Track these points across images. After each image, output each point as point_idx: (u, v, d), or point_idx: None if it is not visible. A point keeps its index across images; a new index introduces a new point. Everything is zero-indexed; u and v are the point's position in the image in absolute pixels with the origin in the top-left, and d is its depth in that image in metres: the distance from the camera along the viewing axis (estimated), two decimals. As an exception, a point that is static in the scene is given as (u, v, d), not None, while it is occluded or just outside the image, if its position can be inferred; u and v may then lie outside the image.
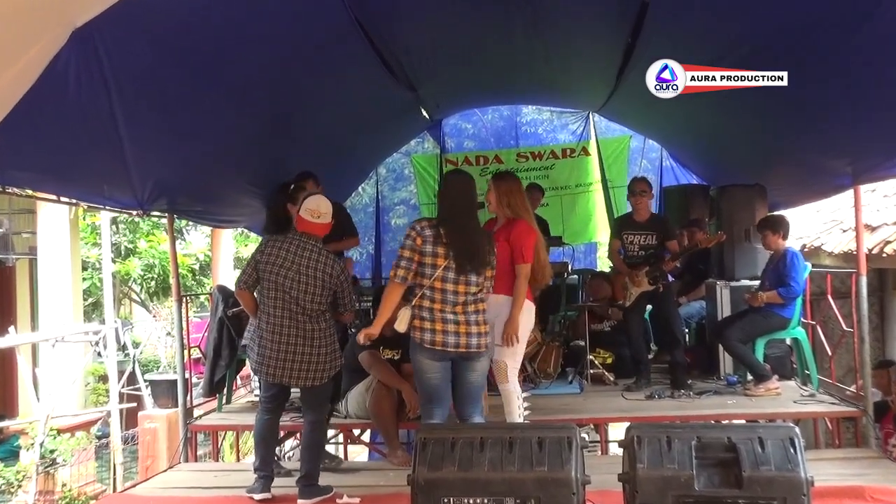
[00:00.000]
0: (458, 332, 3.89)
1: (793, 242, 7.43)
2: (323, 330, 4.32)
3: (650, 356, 7.22)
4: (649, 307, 6.87)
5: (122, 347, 11.25)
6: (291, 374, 4.29)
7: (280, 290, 4.26)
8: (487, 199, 4.66)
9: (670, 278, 7.22)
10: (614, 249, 6.79)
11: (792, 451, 3.04)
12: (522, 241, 4.45)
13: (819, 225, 8.78)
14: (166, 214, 5.96)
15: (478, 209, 4.08)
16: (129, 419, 9.98)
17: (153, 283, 13.78)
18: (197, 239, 15.59)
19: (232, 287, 5.89)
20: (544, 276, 4.66)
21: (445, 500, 3.11)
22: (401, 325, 3.96)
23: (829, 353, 6.41)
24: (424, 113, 9.02)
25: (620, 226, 6.81)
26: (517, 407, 4.57)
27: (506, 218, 4.62)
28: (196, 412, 6.30)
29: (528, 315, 4.56)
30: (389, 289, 3.97)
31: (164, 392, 9.28)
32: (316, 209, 4.38)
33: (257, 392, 5.53)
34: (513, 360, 4.55)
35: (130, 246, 14.32)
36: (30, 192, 4.81)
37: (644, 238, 6.58)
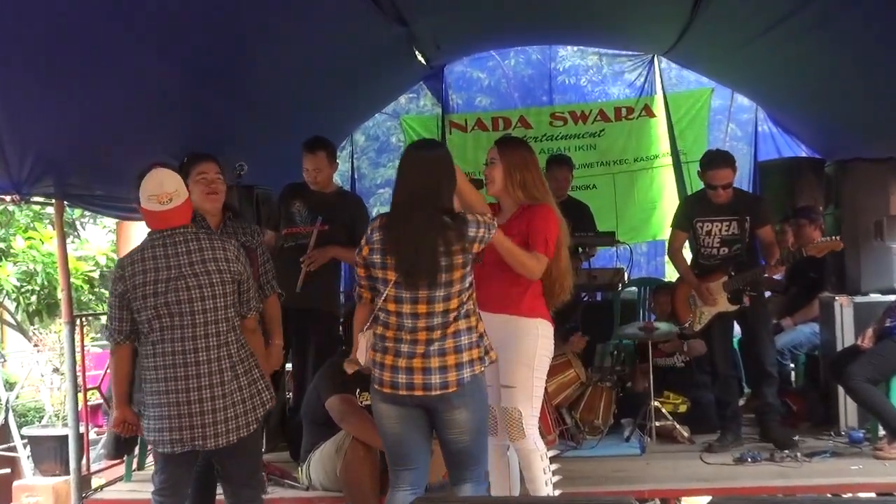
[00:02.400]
0: (410, 369, 3.94)
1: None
2: (238, 350, 4.33)
3: (741, 402, 7.24)
4: (738, 331, 6.90)
5: (-10, 390, 11.23)
6: (205, 430, 4.21)
7: (164, 315, 4.20)
8: (488, 174, 4.70)
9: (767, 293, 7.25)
10: (677, 247, 6.81)
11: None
12: (543, 227, 4.50)
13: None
14: (52, 201, 5.99)
15: (450, 196, 4.08)
16: (1, 492, 9.99)
17: (34, 297, 13.78)
18: (97, 235, 15.63)
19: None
20: (562, 289, 4.66)
21: None
22: (360, 355, 4.07)
23: None
24: (420, 57, 9.07)
25: (689, 210, 6.82)
26: (541, 472, 4.56)
27: (518, 205, 4.66)
28: (95, 481, 6.30)
29: (544, 337, 4.60)
30: (356, 310, 4.20)
31: (50, 453, 9.28)
32: (160, 191, 4.28)
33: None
34: (528, 404, 4.54)
35: (1, 245, 14.37)
36: None
37: (727, 226, 6.58)
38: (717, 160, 6.52)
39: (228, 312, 4.29)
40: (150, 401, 4.26)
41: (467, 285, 4.04)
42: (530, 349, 4.53)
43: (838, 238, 6.33)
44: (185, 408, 4.18)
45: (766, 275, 6.51)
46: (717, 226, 6.57)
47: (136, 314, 4.23)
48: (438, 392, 3.93)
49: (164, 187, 4.27)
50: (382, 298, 3.96)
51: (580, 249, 7.54)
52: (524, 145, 4.83)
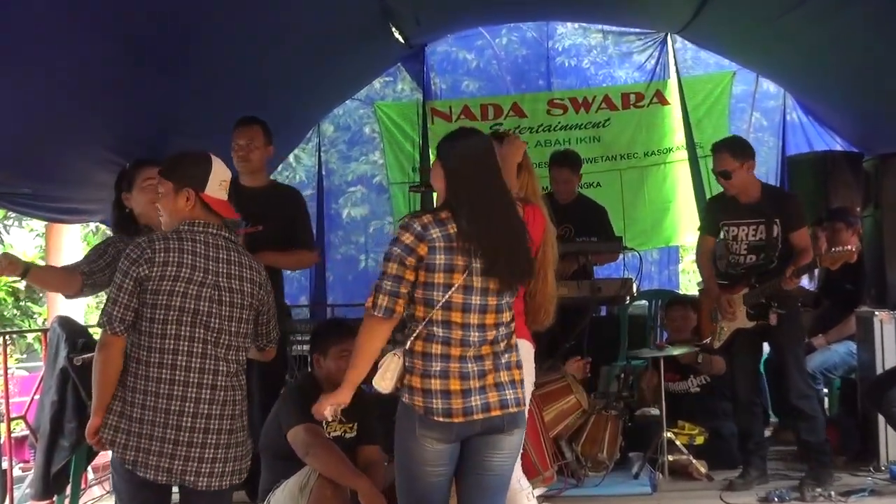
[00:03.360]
0: (485, 388, 3.91)
1: None
2: (243, 389, 4.32)
3: (766, 433, 7.24)
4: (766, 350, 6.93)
5: None
6: (201, 466, 4.13)
7: (187, 323, 4.14)
8: None
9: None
10: (705, 250, 6.82)
11: None
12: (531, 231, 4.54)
13: None
14: (-30, 201, 6.00)
15: (503, 179, 4.14)
16: None
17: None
18: (22, 240, 15.60)
19: (81, 321, 5.91)
20: (547, 315, 4.67)
21: None
22: (383, 381, 3.93)
23: None
24: (397, 34, 9.10)
25: (715, 211, 6.83)
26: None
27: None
28: (20, 526, 6.28)
29: (525, 361, 4.60)
30: (368, 328, 3.95)
31: (-32, 493, 9.26)
32: (229, 178, 4.37)
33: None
34: None
35: (-89, 251, 14.34)
36: None
37: (754, 230, 6.58)
38: (714, 145, 6.66)
39: (245, 340, 4.27)
40: (136, 413, 4.10)
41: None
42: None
43: (852, 248, 6.28)
44: (185, 434, 4.09)
45: (784, 286, 6.41)
46: (743, 230, 6.56)
47: (146, 307, 4.11)
48: (514, 409, 3.95)
49: (229, 175, 4.37)
50: (440, 307, 3.88)
51: (587, 258, 7.55)
52: (520, 142, 4.88)
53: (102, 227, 12.66)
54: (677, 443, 6.93)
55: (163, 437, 4.08)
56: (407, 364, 3.90)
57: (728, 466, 6.82)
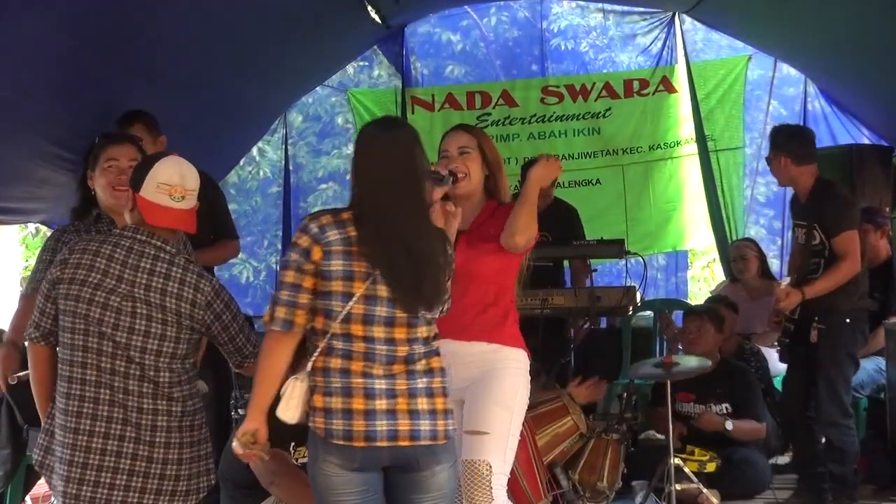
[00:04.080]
0: (394, 412, 3.85)
1: None
2: (175, 414, 4.25)
3: (785, 459, 7.25)
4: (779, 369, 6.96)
5: None
6: (111, 494, 4.10)
7: (94, 334, 4.13)
8: (461, 167, 4.71)
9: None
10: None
11: None
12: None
13: None
14: None
15: (429, 195, 4.07)
16: None
17: None
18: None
19: (14, 335, 5.83)
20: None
21: None
22: (288, 410, 3.86)
23: None
24: (373, 14, 9.08)
25: (790, 207, 7.11)
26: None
27: (483, 205, 4.77)
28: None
29: (525, 372, 4.64)
30: (267, 344, 3.91)
31: None
32: (175, 182, 4.27)
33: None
34: (500, 456, 4.51)
35: None
36: None
37: (803, 234, 6.71)
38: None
39: (170, 363, 4.19)
40: (57, 433, 4.17)
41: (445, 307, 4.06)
42: (511, 387, 4.54)
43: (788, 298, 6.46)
44: (95, 458, 4.08)
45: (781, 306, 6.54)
46: (798, 231, 6.80)
47: (61, 314, 4.14)
48: (428, 442, 3.85)
49: (185, 181, 4.23)
50: (341, 319, 3.82)
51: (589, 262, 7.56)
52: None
53: (44, 228, 12.60)
54: (686, 470, 6.91)
55: (71, 459, 4.09)
56: (311, 383, 3.85)
57: (743, 496, 6.83)
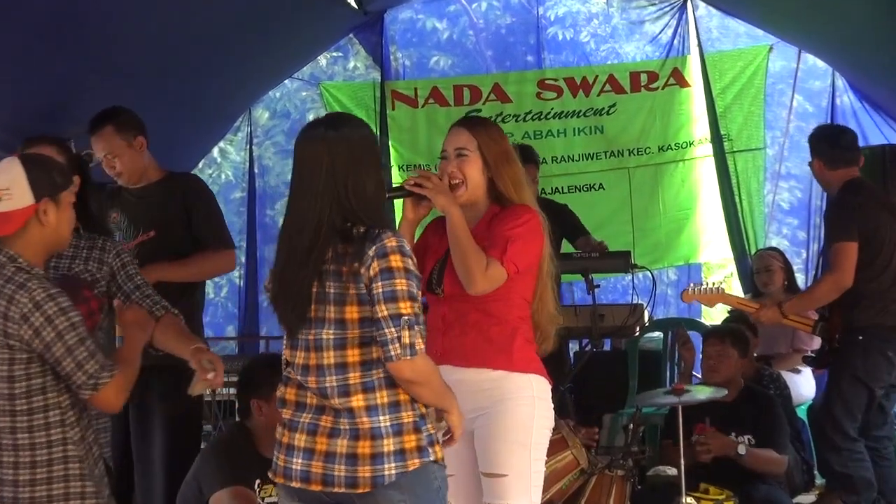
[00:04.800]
0: (311, 451, 3.81)
1: None
2: (19, 442, 4.25)
3: (811, 498, 7.26)
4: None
5: None
6: None
7: None
8: (457, 172, 4.66)
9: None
10: None
11: None
12: (511, 230, 4.49)
13: None
14: None
15: (357, 194, 3.93)
16: None
17: None
18: None
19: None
20: (544, 335, 4.67)
21: None
22: None
23: None
24: (349, -1, 9.14)
25: None
26: None
27: (486, 210, 4.69)
28: None
29: (542, 399, 4.63)
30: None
31: None
32: None
33: None
34: (526, 499, 4.52)
35: None
36: None
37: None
38: None
39: (17, 390, 4.10)
40: None
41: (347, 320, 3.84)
42: (526, 419, 4.50)
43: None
44: None
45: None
46: None
47: None
48: (341, 489, 3.79)
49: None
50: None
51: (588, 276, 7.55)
52: (496, 126, 4.86)
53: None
54: (701, 511, 6.94)
55: None
56: None
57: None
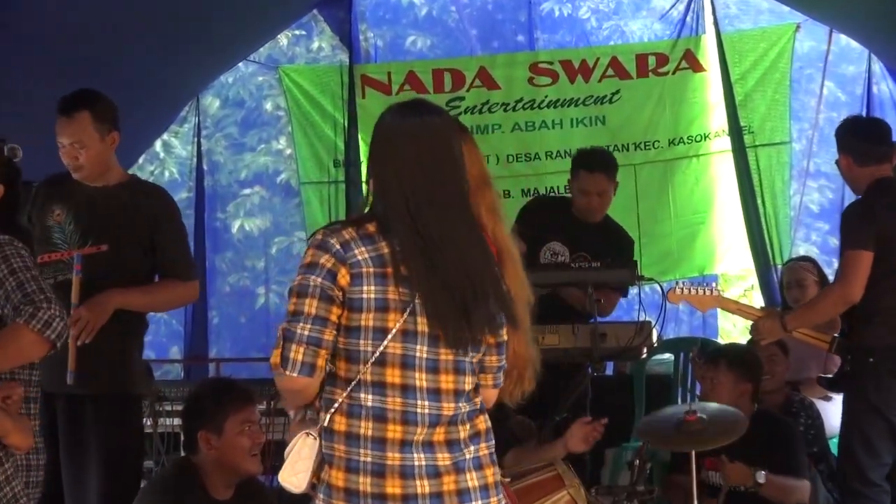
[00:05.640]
0: (440, 496, 3.75)
1: None
2: None
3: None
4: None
5: None
6: None
7: None
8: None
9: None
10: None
11: None
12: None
13: None
14: None
15: (466, 186, 4.00)
16: None
17: None
18: None
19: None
20: (520, 378, 4.57)
21: None
22: (294, 475, 3.76)
23: None
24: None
25: None
26: None
27: None
28: None
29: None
30: (287, 387, 3.83)
31: None
32: None
33: None
34: None
35: None
36: None
37: None
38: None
39: None
40: None
41: (492, 344, 3.98)
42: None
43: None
44: None
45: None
46: None
47: None
48: None
49: None
50: (372, 363, 3.76)
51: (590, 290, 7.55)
52: (471, 136, 4.81)
53: None
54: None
55: None
56: (325, 451, 3.76)
57: None
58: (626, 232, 8.13)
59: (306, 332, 3.68)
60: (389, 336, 3.71)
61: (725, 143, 9.99)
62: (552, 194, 9.74)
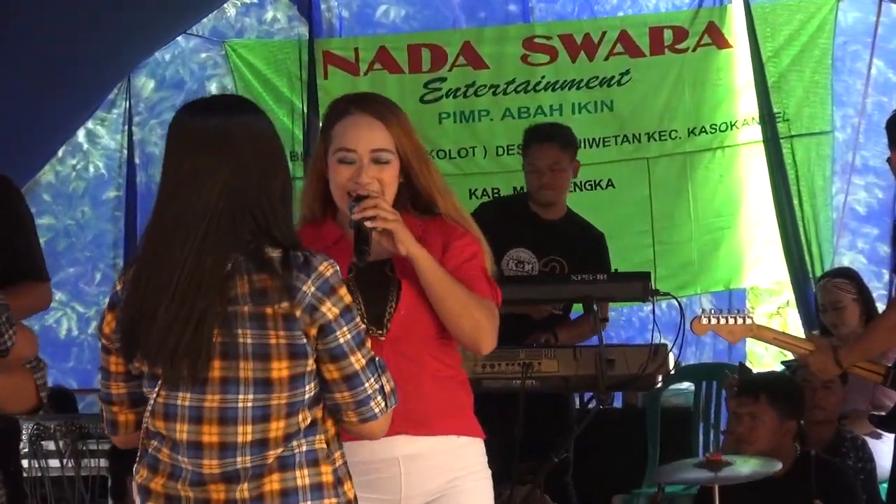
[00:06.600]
0: None
1: None
2: None
3: None
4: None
5: None
6: None
7: None
8: (373, 181, 4.66)
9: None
10: None
11: None
12: (474, 255, 4.62)
13: None
14: None
15: (273, 210, 3.94)
16: None
17: None
18: None
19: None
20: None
21: None
22: None
23: None
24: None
25: None
26: None
27: (410, 218, 4.66)
28: None
29: (489, 479, 4.68)
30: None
31: None
32: None
33: None
34: None
35: None
36: None
37: None
38: None
39: None
40: None
41: (309, 397, 3.84)
42: (485, 496, 4.63)
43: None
44: None
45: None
46: None
47: None
48: None
49: None
50: (149, 412, 3.81)
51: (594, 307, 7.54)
52: (400, 109, 4.83)
53: None
54: None
55: None
56: None
57: None
58: (594, 226, 8.12)
59: (102, 387, 3.88)
60: (159, 382, 3.78)
61: (756, 132, 9.96)
62: (506, 194, 9.74)
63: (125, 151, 10.13)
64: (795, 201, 9.69)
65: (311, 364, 3.73)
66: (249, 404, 3.70)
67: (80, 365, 9.71)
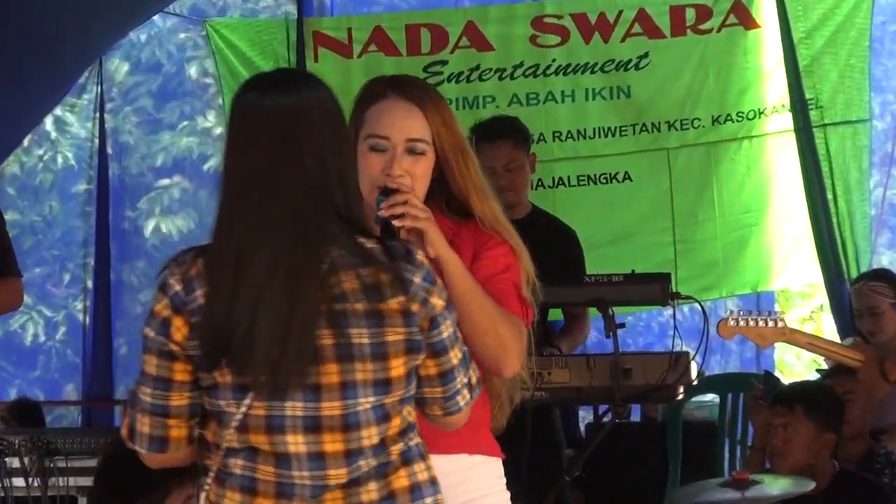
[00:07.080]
0: None
1: None
2: None
3: None
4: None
5: None
6: None
7: None
8: (403, 180, 4.65)
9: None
10: None
11: None
12: (507, 269, 4.60)
13: None
14: None
15: (354, 193, 3.99)
16: None
17: None
18: None
19: None
20: (503, 411, 4.72)
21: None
22: None
23: None
24: None
25: None
26: None
27: (445, 218, 4.66)
28: None
29: (493, 479, 4.70)
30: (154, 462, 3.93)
31: None
32: None
33: None
34: None
35: None
36: None
37: None
38: None
39: None
40: None
41: (413, 391, 3.93)
42: None
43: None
44: None
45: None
46: None
47: None
48: None
49: None
50: (234, 428, 3.78)
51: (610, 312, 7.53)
52: (444, 99, 4.82)
53: None
54: None
55: None
56: None
57: None
58: (563, 222, 8.09)
59: (147, 399, 3.81)
60: (251, 393, 3.77)
61: (786, 121, 9.97)
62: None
63: (97, 141, 10.14)
64: (829, 196, 9.68)
65: (421, 358, 3.81)
66: (370, 406, 3.74)
67: (46, 374, 9.71)
